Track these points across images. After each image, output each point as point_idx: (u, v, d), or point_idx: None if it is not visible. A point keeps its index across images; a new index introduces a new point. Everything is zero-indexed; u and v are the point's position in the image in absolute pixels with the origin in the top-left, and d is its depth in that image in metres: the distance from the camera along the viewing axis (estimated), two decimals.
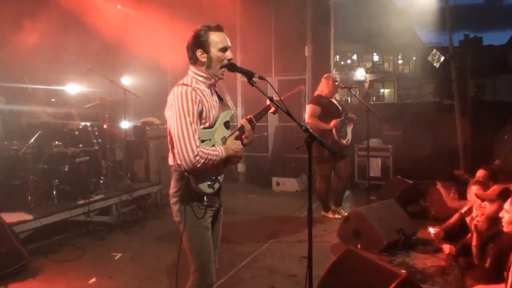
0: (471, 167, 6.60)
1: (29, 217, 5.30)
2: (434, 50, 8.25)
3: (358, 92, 6.51)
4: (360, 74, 35.75)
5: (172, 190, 2.82)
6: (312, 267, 2.61)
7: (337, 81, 6.41)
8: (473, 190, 4.43)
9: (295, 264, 4.85)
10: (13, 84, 6.41)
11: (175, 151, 2.64)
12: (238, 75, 9.10)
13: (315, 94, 6.62)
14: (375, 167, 8.21)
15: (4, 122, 6.41)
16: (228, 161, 2.83)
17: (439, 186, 5.89)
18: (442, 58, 8.08)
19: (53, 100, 6.63)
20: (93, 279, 4.54)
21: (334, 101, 6.48)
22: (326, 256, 4.91)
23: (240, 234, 5.88)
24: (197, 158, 2.58)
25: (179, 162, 2.64)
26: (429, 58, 8.30)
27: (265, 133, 9.31)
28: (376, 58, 41.01)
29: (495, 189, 4.15)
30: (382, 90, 40.01)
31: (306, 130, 2.58)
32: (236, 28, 9.12)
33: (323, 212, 6.68)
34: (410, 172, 7.44)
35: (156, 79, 8.92)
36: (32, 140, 5.82)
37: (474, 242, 4.21)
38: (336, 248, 5.19)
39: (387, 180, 7.72)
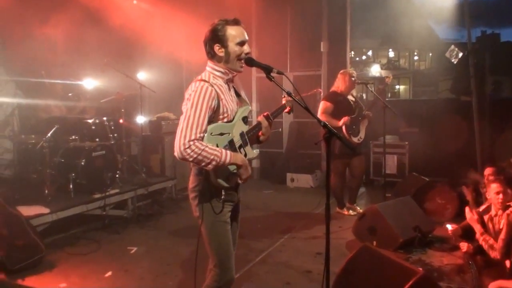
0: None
1: (46, 210, 5.35)
2: (452, 46, 8.12)
3: (374, 88, 6.45)
4: (375, 70, 35.50)
5: (191, 185, 2.80)
6: (329, 263, 2.60)
7: (353, 77, 6.35)
8: (492, 188, 4.36)
9: (310, 260, 4.83)
10: (31, 79, 6.47)
11: None
12: (254, 71, 9.09)
13: (330, 90, 6.59)
14: (391, 164, 8.14)
15: (21, 116, 6.48)
16: (238, 168, 2.71)
17: (467, 191, 5.74)
18: (460, 54, 7.95)
19: (70, 94, 6.68)
20: (109, 273, 4.58)
21: (350, 97, 6.42)
22: (341, 253, 4.90)
23: (255, 230, 5.89)
24: (188, 151, 2.49)
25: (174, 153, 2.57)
26: (447, 54, 8.17)
27: (280, 129, 9.28)
28: (391, 54, 40.67)
29: None
30: (397, 87, 39.65)
31: (325, 125, 2.56)
32: (252, 23, 9.09)
33: (337, 209, 6.64)
34: (426, 169, 7.34)
35: (172, 75, 8.94)
36: (49, 134, 5.86)
37: (502, 236, 4.16)
38: (351, 245, 5.17)
39: (403, 177, 7.66)
